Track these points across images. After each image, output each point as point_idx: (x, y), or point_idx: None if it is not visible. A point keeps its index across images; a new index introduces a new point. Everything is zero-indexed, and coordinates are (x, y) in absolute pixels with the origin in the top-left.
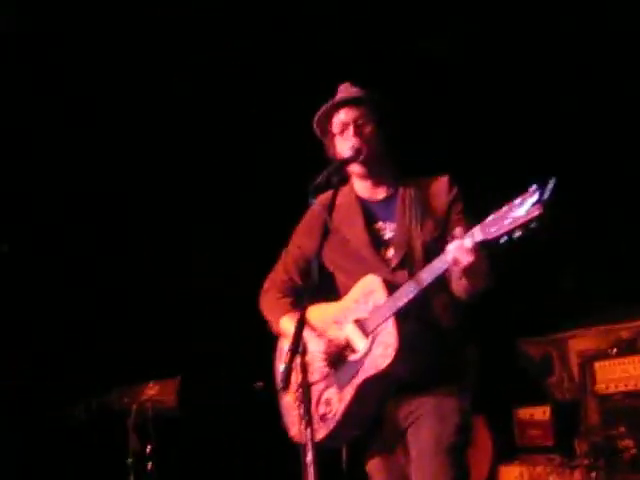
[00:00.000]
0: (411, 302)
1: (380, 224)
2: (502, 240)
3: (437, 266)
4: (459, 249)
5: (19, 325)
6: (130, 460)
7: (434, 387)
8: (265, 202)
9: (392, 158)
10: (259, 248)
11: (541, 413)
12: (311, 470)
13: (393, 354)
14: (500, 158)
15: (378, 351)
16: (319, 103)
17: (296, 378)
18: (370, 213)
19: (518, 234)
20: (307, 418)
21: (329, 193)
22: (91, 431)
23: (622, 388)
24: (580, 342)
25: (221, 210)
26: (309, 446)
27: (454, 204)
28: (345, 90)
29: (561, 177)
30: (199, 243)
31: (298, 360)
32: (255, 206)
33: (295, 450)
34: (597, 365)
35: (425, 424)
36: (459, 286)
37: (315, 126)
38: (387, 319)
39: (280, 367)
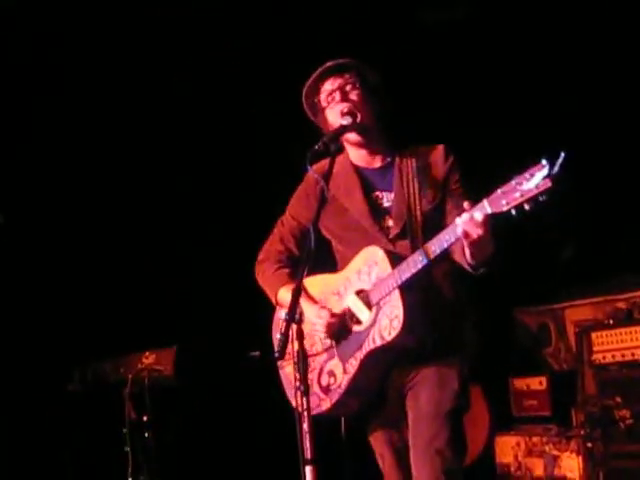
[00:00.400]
0: (417, 274)
1: (378, 193)
2: (512, 213)
3: (445, 238)
4: (469, 222)
5: (13, 295)
6: (126, 430)
7: (436, 357)
8: (261, 171)
9: (386, 127)
10: (255, 217)
11: (537, 383)
12: (307, 439)
13: (400, 326)
14: (497, 128)
15: (384, 323)
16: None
17: (293, 347)
18: (367, 182)
19: (527, 208)
20: (304, 387)
21: (325, 162)
22: (87, 401)
23: (619, 358)
24: (577, 312)
25: (216, 178)
26: (305, 415)
27: (451, 173)
28: (331, 62)
29: (566, 149)
30: (194, 213)
31: (295, 330)
32: (251, 175)
33: (293, 419)
34: (594, 335)
35: (424, 390)
36: (465, 257)
37: (305, 104)
38: (392, 291)
39: (277, 336)
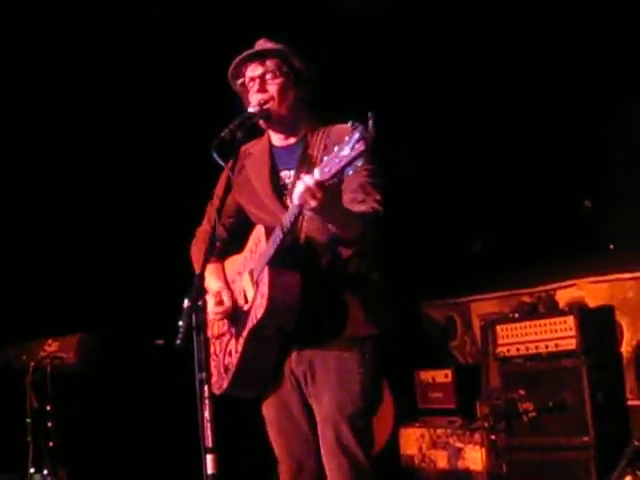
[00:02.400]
0: (279, 249)
1: (285, 172)
2: (336, 178)
3: (291, 209)
4: (302, 191)
5: None
6: (29, 419)
7: (330, 342)
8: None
9: (305, 110)
10: (166, 201)
11: (443, 376)
12: (208, 427)
13: (265, 304)
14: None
15: (257, 301)
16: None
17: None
18: (278, 161)
19: (349, 171)
20: (205, 375)
21: (252, 143)
22: None
23: (523, 352)
24: (483, 306)
25: (129, 162)
26: (206, 403)
27: None
28: (259, 45)
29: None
30: (102, 196)
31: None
32: (173, 160)
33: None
34: (499, 328)
35: (326, 391)
36: (331, 229)
37: (231, 82)
38: (264, 268)
39: (179, 323)
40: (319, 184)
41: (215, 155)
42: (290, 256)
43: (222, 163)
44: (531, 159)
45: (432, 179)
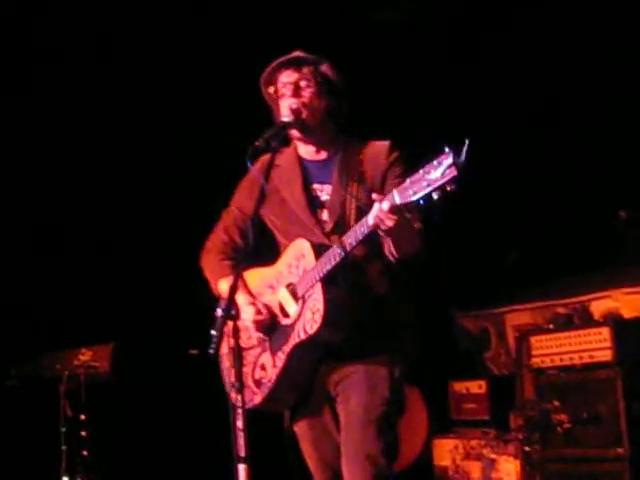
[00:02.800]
0: (337, 266)
1: (317, 185)
2: (420, 203)
3: (359, 230)
4: (379, 213)
5: None
6: (63, 428)
7: (366, 355)
8: (206, 163)
9: (336, 123)
10: (199, 211)
11: (477, 387)
12: (241, 437)
13: (320, 320)
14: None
15: (307, 316)
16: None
17: (229, 343)
18: (309, 174)
19: (435, 197)
20: (238, 384)
21: (270, 155)
22: (23, 398)
23: (557, 363)
24: (517, 317)
25: (159, 171)
26: (239, 412)
27: (392, 168)
28: (292, 54)
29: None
30: (136, 206)
31: (230, 325)
32: (197, 167)
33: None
34: (533, 340)
35: (354, 394)
36: (389, 250)
37: (263, 90)
38: (315, 284)
39: (212, 332)
40: (398, 207)
41: (250, 165)
42: (339, 274)
43: (256, 172)
44: (567, 170)
45: (466, 190)
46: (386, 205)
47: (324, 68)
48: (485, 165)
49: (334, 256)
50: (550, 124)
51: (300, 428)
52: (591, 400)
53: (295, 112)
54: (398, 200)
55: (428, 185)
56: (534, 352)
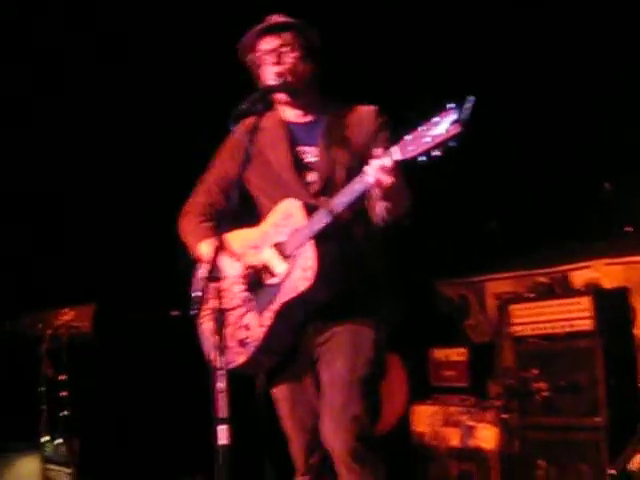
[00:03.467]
0: (329, 225)
1: (303, 147)
2: (420, 158)
3: (355, 188)
4: (380, 169)
5: None
6: (43, 388)
7: (351, 315)
8: (187, 129)
9: (318, 87)
10: (179, 172)
11: (456, 354)
12: (222, 397)
13: (312, 277)
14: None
15: (297, 274)
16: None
17: (212, 305)
18: (294, 136)
19: (437, 153)
20: (221, 346)
21: (255, 118)
22: (3, 357)
23: (537, 331)
24: (497, 285)
25: (138, 132)
26: (220, 374)
27: (380, 132)
28: (273, 20)
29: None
30: (114, 167)
31: (213, 286)
32: (176, 132)
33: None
34: (513, 308)
35: (340, 355)
36: (379, 210)
37: (240, 56)
38: (306, 242)
39: (194, 294)
40: (398, 163)
41: (232, 128)
42: (329, 233)
43: (239, 134)
44: (551, 139)
45: (449, 158)
46: (389, 161)
47: (305, 32)
48: (467, 133)
49: (326, 214)
50: (535, 94)
51: (279, 391)
52: (570, 369)
53: (280, 77)
54: (399, 156)
55: (431, 141)
56: (514, 320)
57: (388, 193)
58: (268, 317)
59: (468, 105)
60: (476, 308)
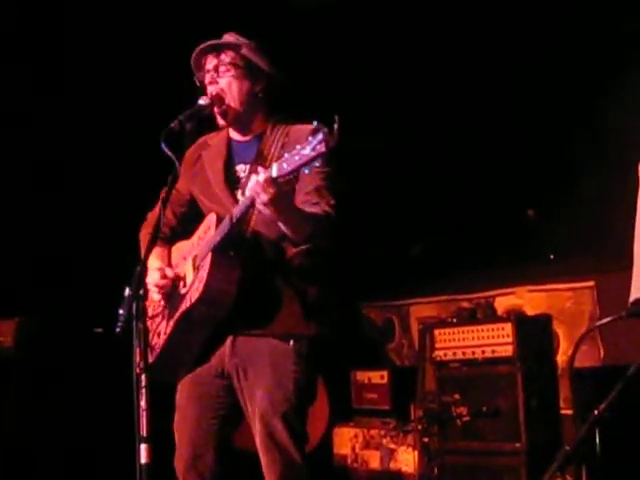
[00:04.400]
0: (225, 238)
1: (241, 165)
2: (291, 175)
3: (242, 201)
4: (256, 184)
5: None
6: None
7: (264, 334)
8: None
9: (263, 105)
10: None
11: (379, 377)
12: (144, 416)
13: (201, 289)
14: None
15: (195, 285)
16: None
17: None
18: (235, 155)
19: (306, 170)
20: (143, 364)
21: (210, 135)
22: None
23: (460, 356)
24: (422, 309)
25: (88, 141)
26: (143, 392)
27: None
28: (223, 39)
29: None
30: (52, 174)
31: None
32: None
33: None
34: (436, 332)
35: (260, 385)
36: (280, 227)
37: (194, 74)
38: (207, 254)
39: (119, 311)
40: (273, 179)
41: (163, 145)
42: (235, 247)
43: (169, 154)
44: (476, 165)
45: (375, 178)
46: (262, 176)
47: (244, 51)
48: (394, 153)
49: (223, 227)
50: (461, 120)
51: (179, 397)
52: (491, 394)
53: (214, 98)
54: (275, 173)
55: (300, 159)
56: (437, 345)
57: (268, 208)
58: (170, 325)
59: (335, 125)
60: (400, 332)
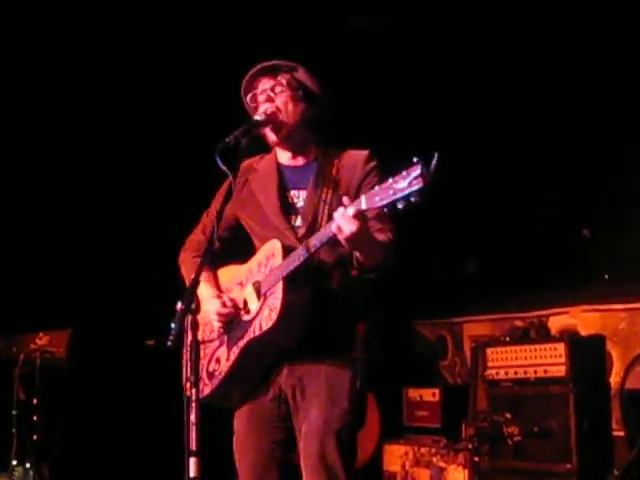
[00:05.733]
0: (300, 267)
1: (294, 191)
2: (385, 210)
3: (324, 233)
4: (342, 216)
5: None
6: (15, 411)
7: (325, 357)
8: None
9: (315, 129)
10: (166, 206)
11: (430, 395)
12: (193, 430)
13: (275, 317)
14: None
15: (265, 313)
16: None
17: (188, 337)
18: (286, 180)
19: (400, 207)
20: (194, 378)
21: (254, 159)
22: None
23: (511, 375)
24: (475, 328)
25: (129, 165)
26: (193, 406)
27: (368, 178)
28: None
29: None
30: (100, 195)
31: (191, 319)
32: (175, 167)
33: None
34: (489, 351)
35: (315, 404)
36: (355, 260)
37: (243, 96)
38: (277, 282)
39: (171, 325)
40: (362, 212)
41: (218, 160)
42: (303, 275)
43: (225, 169)
44: (532, 184)
45: (431, 199)
46: (351, 210)
47: (300, 75)
48: (450, 174)
49: (299, 256)
50: (517, 137)
51: (237, 423)
52: (543, 414)
53: (270, 115)
54: (364, 205)
55: (394, 194)
56: (489, 364)
57: (350, 241)
58: (234, 352)
59: (433, 161)
60: (453, 350)
